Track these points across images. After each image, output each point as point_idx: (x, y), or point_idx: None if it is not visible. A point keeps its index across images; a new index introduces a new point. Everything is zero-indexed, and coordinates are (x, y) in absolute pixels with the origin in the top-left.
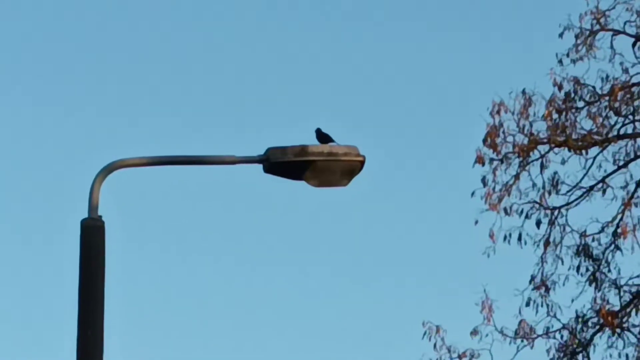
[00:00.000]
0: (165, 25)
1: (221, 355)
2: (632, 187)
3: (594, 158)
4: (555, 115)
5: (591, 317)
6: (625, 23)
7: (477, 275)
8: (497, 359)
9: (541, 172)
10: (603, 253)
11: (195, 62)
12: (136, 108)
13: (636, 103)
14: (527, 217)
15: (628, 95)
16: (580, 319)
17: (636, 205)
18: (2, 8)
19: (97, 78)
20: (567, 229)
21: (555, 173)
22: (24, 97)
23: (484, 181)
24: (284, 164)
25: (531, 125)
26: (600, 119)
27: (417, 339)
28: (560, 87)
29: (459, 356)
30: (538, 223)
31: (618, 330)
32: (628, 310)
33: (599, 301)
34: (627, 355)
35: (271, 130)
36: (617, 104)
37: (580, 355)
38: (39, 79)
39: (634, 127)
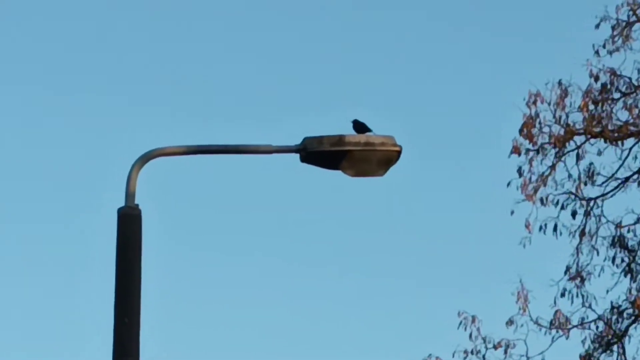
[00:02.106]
0: (206, 15)
1: (252, 343)
2: None
3: (630, 149)
4: (591, 106)
5: (626, 308)
6: None
7: (513, 266)
8: (532, 349)
9: (577, 163)
10: (638, 244)
11: (234, 51)
12: (175, 97)
13: None
14: (562, 207)
15: None
16: (615, 310)
17: None
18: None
19: (138, 67)
20: (603, 219)
21: (591, 164)
22: (63, 85)
23: (520, 171)
24: (321, 153)
25: (567, 116)
26: (637, 110)
27: (453, 329)
28: (596, 78)
29: (495, 346)
30: (574, 214)
31: None
32: None
33: (634, 292)
34: None
35: (308, 119)
36: None
37: (616, 346)
38: (79, 66)
39: None
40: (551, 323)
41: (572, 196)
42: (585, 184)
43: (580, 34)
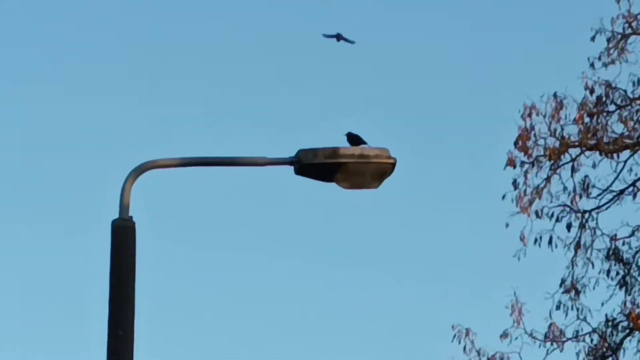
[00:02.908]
0: (200, 27)
1: (251, 354)
2: None
3: (625, 162)
4: (586, 119)
5: (621, 321)
6: None
7: (508, 278)
8: None
9: (572, 176)
10: (633, 257)
11: (227, 63)
12: (168, 109)
13: None
14: (557, 220)
15: None
16: (610, 323)
17: None
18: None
19: (131, 79)
20: (598, 232)
21: (586, 176)
22: (58, 95)
23: (515, 184)
24: (315, 165)
25: (562, 129)
26: (632, 123)
27: (447, 342)
28: (591, 91)
29: (489, 359)
30: (569, 226)
31: None
32: None
33: (629, 305)
34: None
35: (303, 132)
36: None
37: (610, 358)
38: (73, 76)
39: None
40: (546, 336)
41: (567, 209)
42: (581, 197)
43: (575, 46)
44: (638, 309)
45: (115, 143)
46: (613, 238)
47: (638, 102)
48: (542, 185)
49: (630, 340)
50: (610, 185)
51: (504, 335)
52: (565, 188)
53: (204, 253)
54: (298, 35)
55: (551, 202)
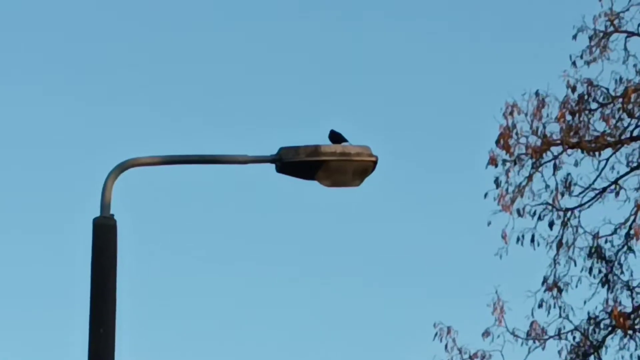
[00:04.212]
0: (178, 24)
1: (230, 354)
2: None
3: (607, 160)
4: (568, 117)
5: (603, 319)
6: (639, 25)
7: (489, 277)
8: None
9: (554, 174)
10: (616, 255)
11: (208, 61)
12: (149, 107)
13: None
14: (539, 218)
15: None
16: (592, 321)
17: None
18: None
19: (111, 77)
20: (580, 230)
21: (568, 174)
22: (38, 95)
23: (496, 182)
24: (297, 163)
25: (544, 127)
26: (614, 121)
27: (429, 340)
28: (573, 89)
29: (470, 357)
30: (551, 224)
31: (630, 331)
32: None
33: (611, 303)
34: (638, 357)
35: (284, 130)
36: (630, 106)
37: (592, 356)
38: (53, 75)
39: None
40: (528, 334)
41: (549, 207)
42: (563, 195)
43: (557, 44)
44: (620, 306)
45: (97, 141)
46: (595, 236)
47: (620, 100)
48: (524, 184)
49: (612, 338)
50: (593, 183)
51: (486, 333)
52: (547, 186)
53: (185, 251)
54: (279, 33)
55: (533, 200)
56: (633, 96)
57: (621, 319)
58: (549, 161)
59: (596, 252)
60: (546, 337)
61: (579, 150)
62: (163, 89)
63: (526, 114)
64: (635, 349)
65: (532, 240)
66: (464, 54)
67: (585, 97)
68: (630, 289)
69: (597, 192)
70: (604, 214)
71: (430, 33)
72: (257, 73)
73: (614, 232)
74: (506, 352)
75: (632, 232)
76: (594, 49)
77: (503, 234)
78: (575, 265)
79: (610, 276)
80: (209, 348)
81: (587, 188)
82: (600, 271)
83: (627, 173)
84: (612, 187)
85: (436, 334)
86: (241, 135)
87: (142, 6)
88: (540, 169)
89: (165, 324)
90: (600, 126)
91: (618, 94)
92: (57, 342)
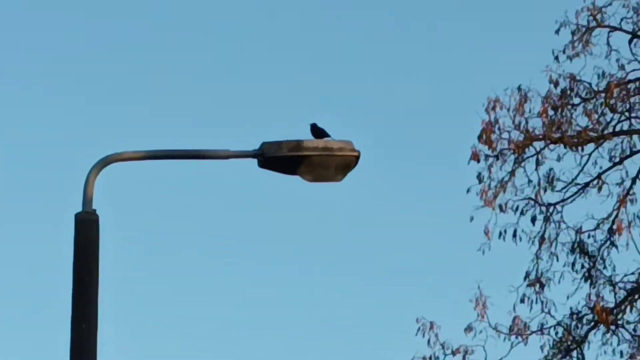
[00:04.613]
0: (162, 22)
1: (213, 351)
2: (627, 183)
3: (590, 155)
4: (551, 112)
5: (586, 314)
6: (621, 20)
7: (472, 272)
8: (491, 355)
9: (536, 169)
10: (598, 250)
11: (190, 57)
12: (132, 102)
13: (632, 100)
14: (522, 213)
15: (624, 92)
16: (574, 316)
17: (631, 202)
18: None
19: (94, 71)
20: (563, 225)
21: (551, 170)
22: (19, 90)
23: (479, 178)
24: (279, 158)
25: (527, 122)
26: (596, 116)
27: (411, 336)
28: (556, 84)
29: (453, 352)
30: (533, 219)
31: (612, 327)
32: (623, 307)
33: (593, 298)
34: (621, 352)
35: (266, 125)
36: (613, 101)
37: (575, 352)
38: (35, 71)
39: (630, 124)
40: (510, 329)
41: (532, 202)
42: (545, 190)
43: (539, 39)
44: (603, 302)
45: (79, 136)
46: (578, 231)
47: (602, 95)
48: (506, 179)
49: (595, 334)
50: (575, 178)
51: (469, 328)
52: (529, 181)
53: (167, 246)
54: (261, 28)
55: (516, 195)
56: (615, 91)
57: (604, 314)
58: (532, 156)
59: (579, 247)
60: (529, 332)
61: (562, 145)
62: (145, 84)
63: (508, 109)
64: (618, 344)
65: (515, 235)
66: (446, 49)
67: (568, 92)
68: (612, 284)
69: (579, 187)
70: (587, 209)
71: (411, 28)
72: (239, 68)
73: (597, 227)
74: (489, 347)
75: (614, 227)
76: (576, 43)
77: (485, 230)
78: (558, 260)
79: (592, 271)
80: (188, 343)
81: (569, 183)
82: (582, 266)
83: (609, 168)
84: (595, 182)
85: (419, 329)
86: (223, 131)
87: (126, 3)
88: (522, 164)
89: (146, 319)
90: (583, 121)
91: (601, 89)
92: (40, 337)
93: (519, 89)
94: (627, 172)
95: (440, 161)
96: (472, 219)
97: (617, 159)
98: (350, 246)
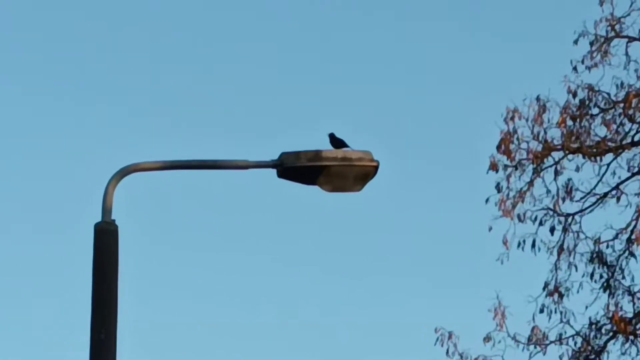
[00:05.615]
0: (182, 31)
1: (233, 356)
2: None
3: (608, 165)
4: (569, 122)
5: (605, 324)
6: None
7: (491, 282)
8: None
9: (555, 179)
10: (617, 260)
11: (211, 67)
12: (151, 112)
13: None
14: (541, 223)
15: None
16: (593, 326)
17: None
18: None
19: (114, 82)
20: (581, 235)
21: (569, 180)
22: (41, 100)
23: (498, 188)
24: (298, 168)
25: (545, 132)
26: (615, 126)
27: (430, 345)
28: (574, 94)
29: None
30: (552, 230)
31: (631, 337)
32: None
33: (612, 308)
34: None
35: (285, 135)
36: (631, 111)
37: None
38: (57, 81)
39: None
40: (529, 339)
41: (550, 212)
42: (564, 200)
43: (558, 49)
44: (622, 312)
45: (99, 146)
46: (597, 241)
47: (621, 105)
48: (525, 189)
49: (614, 344)
50: (594, 188)
51: (487, 338)
52: (548, 191)
53: (186, 256)
54: (280, 38)
55: (534, 205)
56: (634, 101)
57: (622, 324)
58: (550, 166)
59: (597, 258)
60: (547, 342)
61: (580, 156)
62: (165, 96)
63: (527, 119)
64: (637, 354)
65: (533, 245)
66: (465, 59)
67: (587, 102)
68: (631, 294)
69: (598, 197)
70: (605, 219)
71: (430, 38)
72: (259, 78)
73: (615, 237)
74: (507, 357)
75: (633, 237)
76: (595, 54)
77: (504, 240)
78: (577, 270)
79: (611, 281)
80: (209, 353)
81: (588, 193)
82: (601, 276)
83: (628, 178)
84: (613, 192)
85: (437, 339)
86: (243, 141)
87: (142, 9)
88: (541, 174)
89: (166, 328)
90: (602, 131)
91: (619, 99)
92: (59, 346)
93: (538, 99)
94: None
95: (459, 171)
96: (490, 229)
97: (636, 169)
98: (369, 256)
